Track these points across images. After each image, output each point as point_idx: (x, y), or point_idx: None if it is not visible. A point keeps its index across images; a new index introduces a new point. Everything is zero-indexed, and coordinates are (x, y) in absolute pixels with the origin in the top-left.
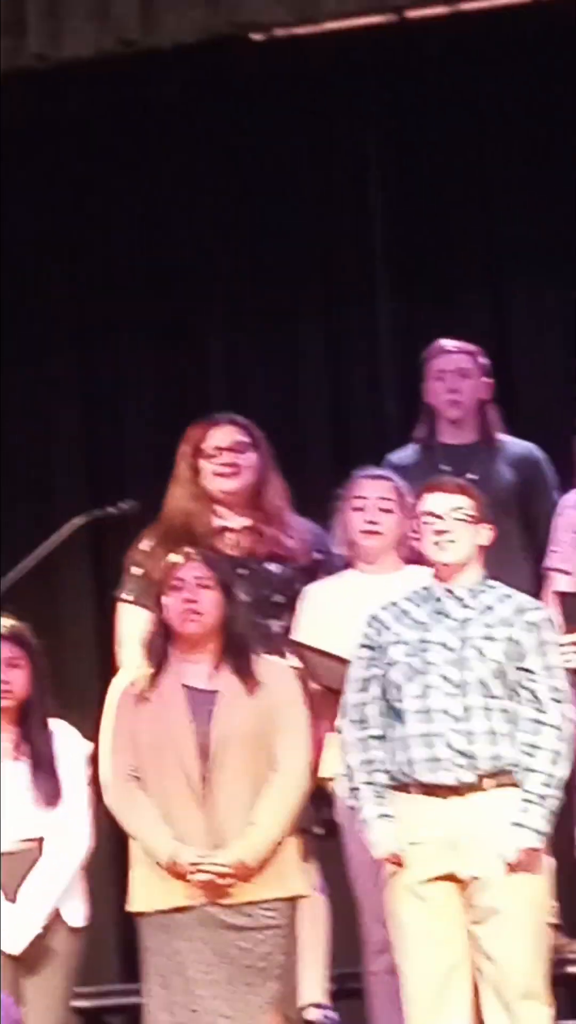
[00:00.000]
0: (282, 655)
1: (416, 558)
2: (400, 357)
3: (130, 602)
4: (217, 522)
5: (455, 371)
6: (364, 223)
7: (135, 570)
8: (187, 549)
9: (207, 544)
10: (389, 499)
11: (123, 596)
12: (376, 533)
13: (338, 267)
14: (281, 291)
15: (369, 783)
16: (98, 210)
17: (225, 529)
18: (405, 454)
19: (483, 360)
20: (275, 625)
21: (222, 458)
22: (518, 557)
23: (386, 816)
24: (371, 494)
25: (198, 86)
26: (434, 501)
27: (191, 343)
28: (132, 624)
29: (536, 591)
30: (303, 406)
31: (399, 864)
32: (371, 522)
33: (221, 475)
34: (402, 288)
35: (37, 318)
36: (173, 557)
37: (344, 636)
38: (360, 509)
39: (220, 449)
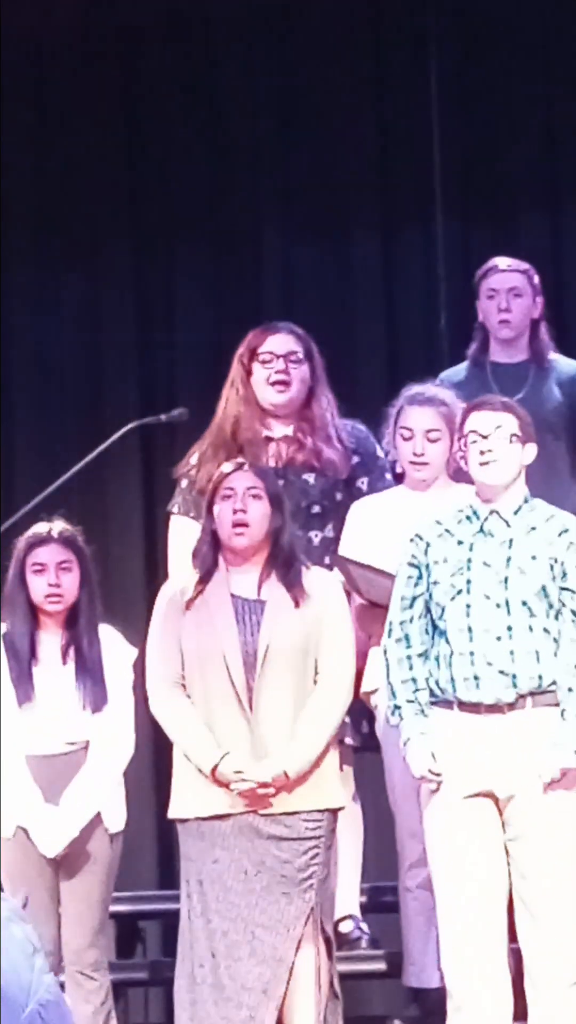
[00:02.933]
0: (322, 567)
1: (464, 476)
2: (455, 273)
3: (181, 515)
4: (263, 432)
5: (507, 290)
6: (424, 137)
7: (184, 483)
8: (239, 459)
9: (252, 452)
10: (436, 429)
11: (173, 510)
12: (424, 464)
13: (396, 180)
14: (338, 201)
15: (411, 701)
16: (156, 112)
17: (268, 439)
18: (456, 371)
19: (536, 278)
20: (315, 536)
21: (276, 365)
22: (565, 477)
23: (426, 735)
24: (418, 425)
25: None
26: (479, 420)
27: (246, 253)
28: (184, 537)
29: None
30: (357, 318)
31: (437, 782)
32: (419, 455)
33: (272, 385)
34: (459, 204)
35: (92, 223)
36: (225, 466)
37: (391, 552)
38: (408, 439)
39: (274, 356)
